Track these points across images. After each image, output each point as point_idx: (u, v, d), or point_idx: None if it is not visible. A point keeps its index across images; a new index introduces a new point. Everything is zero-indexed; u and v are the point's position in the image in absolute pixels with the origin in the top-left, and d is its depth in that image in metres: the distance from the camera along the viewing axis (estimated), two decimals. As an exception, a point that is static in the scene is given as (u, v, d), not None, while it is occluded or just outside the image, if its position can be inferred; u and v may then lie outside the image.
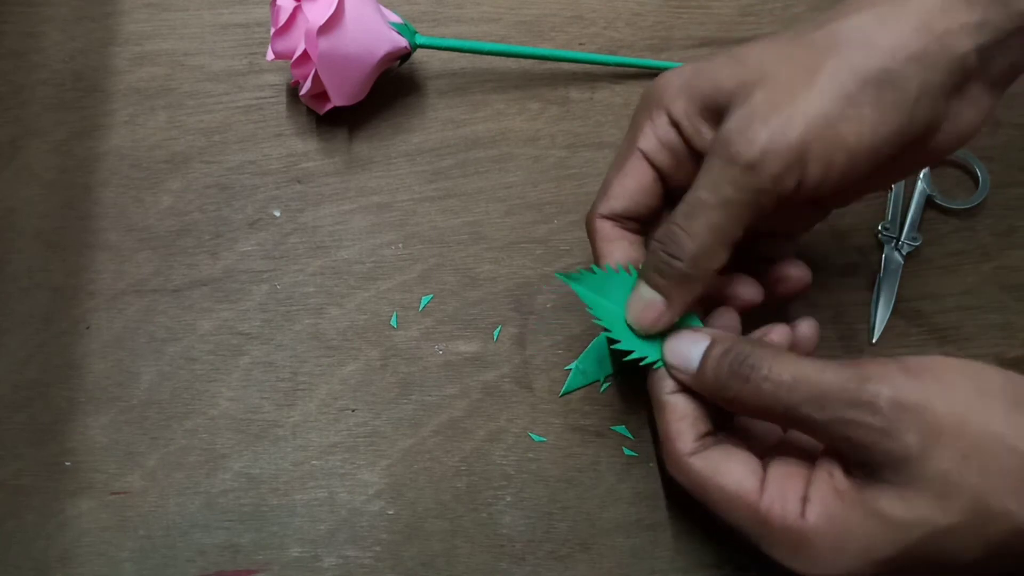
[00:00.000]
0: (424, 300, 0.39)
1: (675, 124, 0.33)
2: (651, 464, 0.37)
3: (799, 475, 0.30)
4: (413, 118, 0.44)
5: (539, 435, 0.37)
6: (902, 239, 0.41)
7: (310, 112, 0.43)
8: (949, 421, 0.27)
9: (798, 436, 0.33)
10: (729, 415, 0.34)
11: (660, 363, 0.33)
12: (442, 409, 0.38)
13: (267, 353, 0.38)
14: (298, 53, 0.39)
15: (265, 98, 0.44)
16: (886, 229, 0.42)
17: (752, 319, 0.34)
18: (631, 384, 0.38)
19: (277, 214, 0.41)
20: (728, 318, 0.34)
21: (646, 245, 0.35)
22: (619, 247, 0.34)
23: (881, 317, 0.40)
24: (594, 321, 0.34)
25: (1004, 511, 0.27)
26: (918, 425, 0.27)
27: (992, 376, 0.28)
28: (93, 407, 0.37)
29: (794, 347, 0.33)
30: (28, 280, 0.39)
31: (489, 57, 0.45)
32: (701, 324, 0.34)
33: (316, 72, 0.39)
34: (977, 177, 0.43)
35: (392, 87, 0.44)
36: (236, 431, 0.37)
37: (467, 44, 0.43)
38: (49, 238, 0.40)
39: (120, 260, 0.40)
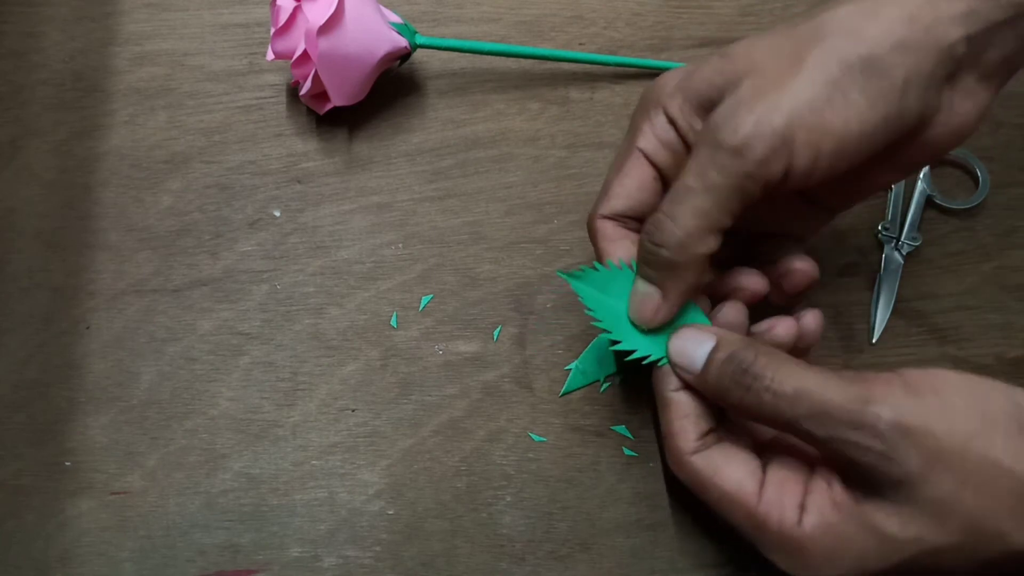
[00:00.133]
0: (424, 300, 0.40)
1: (672, 122, 0.33)
2: (651, 464, 0.37)
3: (798, 480, 0.30)
4: (413, 118, 0.44)
5: (539, 435, 0.37)
6: (902, 239, 0.41)
7: (310, 112, 0.43)
8: (949, 446, 0.27)
9: None
10: None
11: (664, 360, 0.33)
12: (442, 409, 0.38)
13: (267, 353, 0.38)
14: (298, 53, 0.39)
15: (265, 98, 0.44)
16: (886, 229, 0.42)
17: (759, 317, 0.34)
18: (631, 384, 0.38)
19: (277, 214, 0.41)
20: (735, 312, 0.34)
21: None
22: (622, 247, 0.34)
23: (881, 317, 0.40)
24: (593, 323, 0.34)
25: (998, 532, 0.27)
26: (919, 449, 0.27)
27: (996, 397, 0.28)
28: (93, 407, 0.37)
29: (798, 339, 0.33)
30: (28, 280, 0.39)
31: (489, 57, 0.45)
32: (707, 320, 0.34)
33: (316, 72, 0.39)
34: (977, 177, 0.43)
35: (392, 87, 0.44)
36: (236, 431, 0.37)
37: (467, 44, 0.43)
38: (49, 238, 0.40)
39: (120, 260, 0.40)
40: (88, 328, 0.38)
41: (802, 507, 0.29)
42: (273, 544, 0.35)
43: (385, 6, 0.42)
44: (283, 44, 0.40)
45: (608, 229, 0.34)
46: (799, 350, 0.33)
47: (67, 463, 0.36)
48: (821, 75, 0.29)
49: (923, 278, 0.41)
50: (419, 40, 0.42)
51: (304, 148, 0.43)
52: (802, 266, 0.34)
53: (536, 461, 0.37)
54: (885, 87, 0.29)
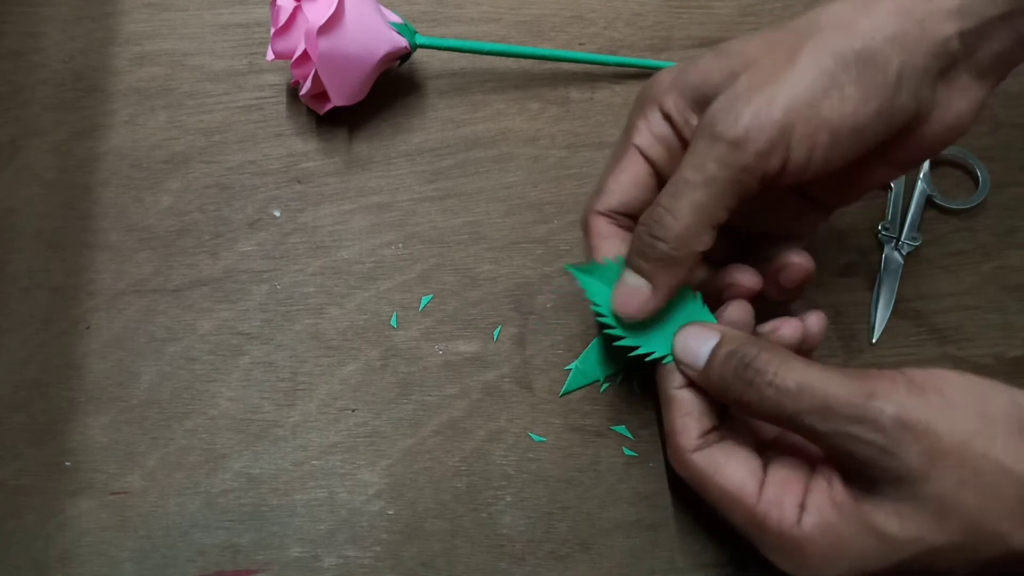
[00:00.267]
0: (424, 300, 0.40)
1: (668, 118, 0.33)
2: (651, 464, 0.37)
3: (798, 480, 0.30)
4: (413, 118, 0.44)
5: (539, 435, 0.37)
6: (902, 239, 0.41)
7: (310, 112, 0.43)
8: (951, 444, 0.27)
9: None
10: None
11: (669, 358, 0.33)
12: (442, 409, 0.38)
13: (267, 353, 0.38)
14: (298, 53, 0.39)
15: (265, 98, 0.44)
16: (886, 229, 0.42)
17: (764, 318, 0.34)
18: (631, 384, 0.38)
19: (277, 214, 0.41)
20: (741, 311, 0.34)
21: None
22: (613, 244, 0.34)
23: (881, 317, 0.40)
24: (598, 319, 0.34)
25: (998, 533, 0.27)
26: (919, 446, 0.27)
27: (997, 397, 0.28)
28: (93, 407, 0.37)
29: (802, 340, 0.33)
30: (28, 280, 0.39)
31: (489, 57, 0.45)
32: (714, 319, 0.34)
33: (316, 72, 0.39)
34: (977, 177, 0.43)
35: (392, 87, 0.44)
36: (236, 431, 0.37)
37: (467, 44, 0.43)
38: (49, 238, 0.40)
39: (120, 260, 0.40)
40: (88, 328, 0.38)
41: (802, 507, 0.29)
42: (273, 544, 0.35)
43: (385, 6, 0.42)
44: (283, 44, 0.40)
45: (601, 226, 0.34)
46: (802, 351, 0.33)
47: (67, 463, 0.36)
48: (816, 68, 0.29)
49: (923, 278, 0.41)
50: (419, 40, 0.42)
51: (304, 148, 0.43)
52: (798, 260, 0.34)
53: (536, 461, 0.37)
54: (879, 80, 0.29)
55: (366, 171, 0.42)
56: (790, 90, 0.29)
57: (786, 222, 0.35)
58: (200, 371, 0.38)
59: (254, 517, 0.35)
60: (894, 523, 0.28)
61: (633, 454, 0.37)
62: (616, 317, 0.33)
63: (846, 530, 0.28)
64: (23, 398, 0.37)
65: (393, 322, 0.39)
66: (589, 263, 0.34)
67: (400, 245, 0.41)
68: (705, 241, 0.31)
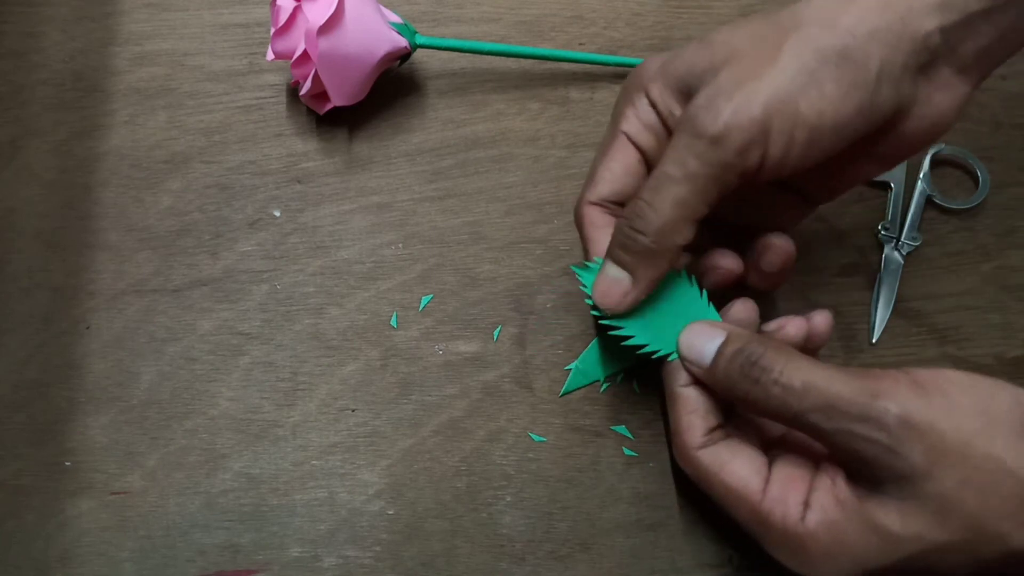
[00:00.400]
0: (424, 300, 0.39)
1: (653, 105, 0.33)
2: (651, 464, 0.37)
3: (802, 478, 0.30)
4: (413, 118, 0.44)
5: (539, 435, 0.37)
6: (902, 239, 0.41)
7: (310, 112, 0.43)
8: (954, 443, 0.27)
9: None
10: None
11: (674, 355, 0.33)
12: (442, 409, 0.38)
13: (267, 353, 0.38)
14: (298, 53, 0.39)
15: (265, 98, 0.44)
16: (886, 229, 0.42)
17: (768, 317, 0.34)
18: (631, 384, 0.38)
19: (277, 214, 0.41)
20: (746, 310, 0.34)
21: None
22: (607, 234, 0.34)
23: (881, 317, 0.40)
24: (601, 321, 0.34)
25: (999, 533, 0.27)
26: (923, 445, 0.27)
27: (1001, 397, 0.28)
28: (93, 407, 0.37)
29: (807, 339, 0.33)
30: (28, 280, 0.39)
31: (489, 57, 0.45)
32: (719, 317, 0.34)
33: (316, 72, 0.39)
34: (977, 177, 0.43)
35: (392, 87, 0.44)
36: (236, 431, 0.37)
37: (467, 44, 0.43)
38: (49, 238, 0.40)
39: (120, 260, 0.40)
40: (88, 328, 0.38)
41: (806, 504, 0.29)
42: (273, 544, 0.35)
43: (385, 6, 0.42)
44: (283, 44, 0.40)
45: (595, 216, 0.34)
46: (808, 350, 0.33)
47: (67, 463, 0.36)
48: (796, 65, 0.29)
49: (923, 278, 0.41)
50: (419, 40, 0.42)
51: (304, 148, 0.43)
52: (779, 241, 0.34)
53: (536, 461, 0.37)
54: (859, 78, 0.29)
55: (366, 171, 0.42)
56: (770, 87, 0.29)
57: (770, 215, 0.35)
58: (200, 371, 0.38)
59: (254, 517, 0.35)
60: (896, 521, 0.28)
61: (633, 454, 0.37)
62: (624, 316, 0.33)
63: (849, 528, 0.29)
64: (23, 398, 0.37)
65: (393, 322, 0.39)
66: (595, 260, 0.34)
67: (400, 245, 0.41)
68: (685, 235, 0.31)
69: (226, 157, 0.42)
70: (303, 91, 0.40)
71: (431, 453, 0.37)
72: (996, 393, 0.28)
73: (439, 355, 0.39)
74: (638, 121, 0.34)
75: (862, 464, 0.28)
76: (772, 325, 0.33)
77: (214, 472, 0.36)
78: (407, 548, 0.35)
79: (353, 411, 0.37)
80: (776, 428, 0.34)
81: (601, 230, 0.34)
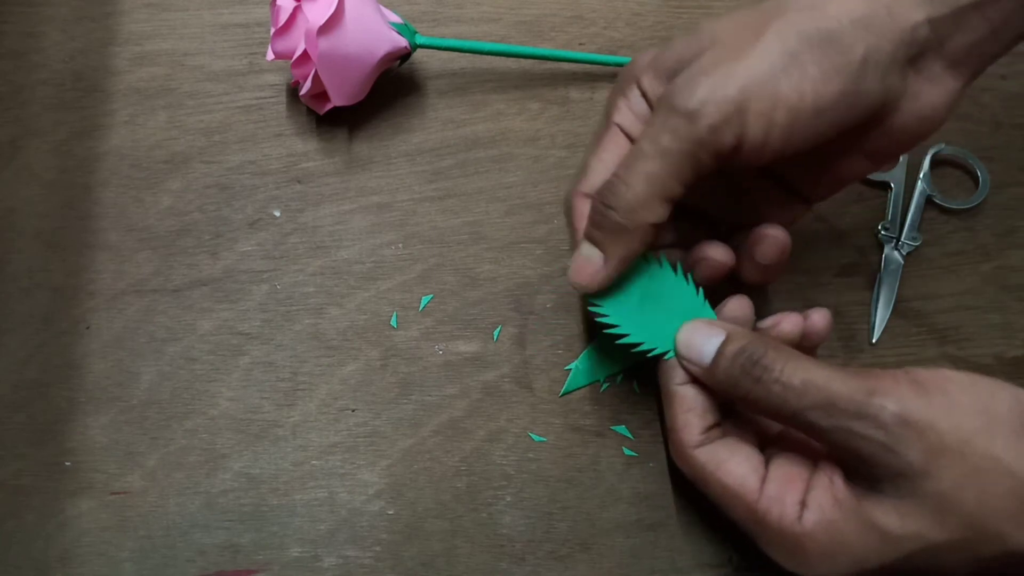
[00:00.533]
0: (424, 300, 0.39)
1: (645, 96, 0.33)
2: (651, 464, 0.37)
3: (799, 477, 0.30)
4: (413, 118, 0.44)
5: (539, 435, 0.37)
6: (902, 239, 0.41)
7: (310, 112, 0.43)
8: (952, 441, 0.27)
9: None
10: None
11: (671, 353, 0.33)
12: (442, 409, 0.38)
13: (267, 353, 0.38)
14: (298, 53, 0.39)
15: (265, 98, 0.44)
16: (886, 229, 0.42)
17: (765, 314, 0.34)
18: (631, 384, 0.38)
19: (277, 214, 0.41)
20: (741, 307, 0.34)
21: None
22: None
23: (881, 317, 0.40)
24: (597, 319, 0.34)
25: (997, 533, 0.27)
26: (921, 443, 0.27)
27: (1001, 397, 0.28)
28: (93, 407, 0.37)
29: (805, 337, 0.33)
30: (28, 280, 0.39)
31: (489, 57, 0.45)
32: (714, 315, 0.34)
33: (316, 72, 0.39)
34: (977, 177, 0.43)
35: (392, 87, 0.44)
36: (236, 431, 0.37)
37: (467, 44, 0.43)
38: (49, 238, 0.40)
39: (120, 260, 0.40)
40: (88, 328, 0.38)
41: (803, 503, 0.29)
42: (273, 544, 0.35)
43: (385, 6, 0.42)
44: (283, 44, 0.40)
45: (584, 207, 0.34)
46: (807, 348, 0.33)
47: (67, 463, 0.36)
48: (778, 47, 0.29)
49: (923, 278, 0.41)
50: (419, 40, 0.42)
51: (304, 148, 0.43)
52: (773, 232, 0.34)
53: (536, 461, 0.37)
54: (842, 63, 0.29)
55: (366, 171, 0.42)
56: (749, 67, 0.29)
57: (765, 212, 0.35)
58: (200, 371, 0.38)
59: (254, 517, 0.35)
60: (894, 520, 0.28)
61: (633, 454, 0.37)
62: (620, 315, 0.33)
63: (847, 527, 0.28)
64: (23, 398, 0.37)
65: (393, 322, 0.39)
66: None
67: (400, 245, 0.41)
68: (657, 212, 0.31)
69: (226, 157, 0.42)
70: (303, 91, 0.40)
71: (431, 453, 0.37)
72: (996, 393, 0.28)
73: (439, 355, 0.39)
74: (630, 112, 0.34)
75: (860, 462, 0.28)
76: (767, 322, 0.33)
77: (214, 472, 0.36)
78: (407, 548, 0.35)
79: (353, 411, 0.37)
80: (773, 427, 0.34)
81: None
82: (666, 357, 0.33)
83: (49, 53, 0.44)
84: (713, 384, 0.32)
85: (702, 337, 0.32)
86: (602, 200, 0.31)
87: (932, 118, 0.32)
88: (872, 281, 0.41)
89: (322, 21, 0.38)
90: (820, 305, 0.35)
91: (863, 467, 0.28)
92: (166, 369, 0.38)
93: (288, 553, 0.35)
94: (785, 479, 0.30)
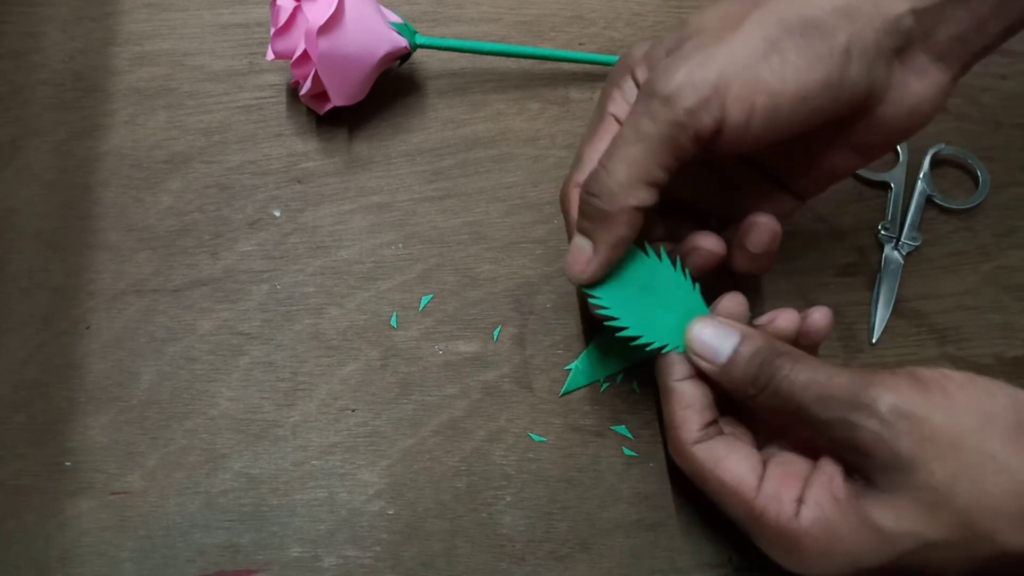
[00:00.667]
0: (424, 300, 0.39)
1: (638, 86, 0.34)
2: (651, 464, 0.37)
3: (797, 476, 0.30)
4: (413, 118, 0.44)
5: (539, 435, 0.37)
6: (902, 239, 0.41)
7: (310, 112, 0.43)
8: (946, 436, 0.27)
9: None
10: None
11: (668, 348, 0.33)
12: (442, 409, 0.38)
13: (267, 353, 0.38)
14: (298, 53, 0.39)
15: (265, 98, 0.44)
16: (886, 229, 0.42)
17: (766, 308, 0.34)
18: (631, 384, 0.38)
19: (277, 214, 0.41)
20: (736, 303, 0.34)
21: None
22: None
23: (881, 317, 0.40)
24: (597, 311, 0.33)
25: (990, 532, 0.27)
26: (913, 434, 0.27)
27: (998, 396, 0.29)
28: (93, 407, 0.37)
29: (803, 335, 0.33)
30: (28, 280, 0.39)
31: (489, 57, 0.45)
32: (707, 310, 0.34)
33: (316, 72, 0.39)
34: (977, 177, 0.43)
35: (392, 87, 0.44)
36: (236, 431, 0.37)
37: (467, 44, 0.43)
38: (49, 238, 0.40)
39: (120, 260, 0.40)
40: (88, 328, 0.38)
41: (800, 501, 0.30)
42: (273, 544, 0.35)
43: (385, 6, 0.42)
44: (283, 44, 0.40)
45: (577, 198, 0.34)
46: (809, 347, 0.34)
47: (67, 463, 0.36)
48: (759, 33, 0.30)
49: (923, 278, 0.41)
50: (419, 40, 0.42)
51: (304, 148, 0.43)
52: (764, 219, 0.34)
53: (536, 461, 0.37)
54: (824, 50, 0.29)
55: (366, 171, 0.42)
56: (729, 53, 0.29)
57: (755, 205, 0.35)
58: (200, 371, 0.38)
59: (254, 517, 0.35)
60: (890, 516, 0.28)
61: (633, 454, 0.37)
62: (620, 308, 0.33)
63: (843, 524, 0.29)
64: (23, 398, 0.37)
65: (393, 322, 0.39)
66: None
67: (400, 245, 0.41)
68: (640, 196, 0.31)
69: (226, 157, 0.42)
70: (303, 91, 0.40)
71: (431, 453, 0.37)
72: (993, 392, 0.29)
73: (439, 355, 0.39)
74: (624, 103, 0.34)
75: (857, 455, 0.29)
76: (764, 318, 0.34)
77: (214, 472, 0.36)
78: (407, 548, 0.35)
79: (353, 411, 0.37)
80: (772, 423, 0.34)
81: None
82: (664, 351, 0.33)
83: (49, 53, 0.44)
84: (727, 382, 0.32)
85: (718, 336, 0.32)
86: (586, 188, 0.32)
87: (920, 111, 0.31)
88: (872, 281, 0.41)
89: (322, 21, 0.38)
90: (820, 305, 0.35)
91: (860, 460, 0.29)
92: (166, 369, 0.38)
93: (288, 553, 0.35)
94: (783, 477, 0.30)
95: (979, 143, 0.44)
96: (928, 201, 0.42)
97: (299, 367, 0.38)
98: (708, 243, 0.34)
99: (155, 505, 0.35)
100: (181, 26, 0.45)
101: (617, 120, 0.34)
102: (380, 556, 0.35)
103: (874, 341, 0.40)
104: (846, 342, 0.40)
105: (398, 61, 0.43)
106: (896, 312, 0.40)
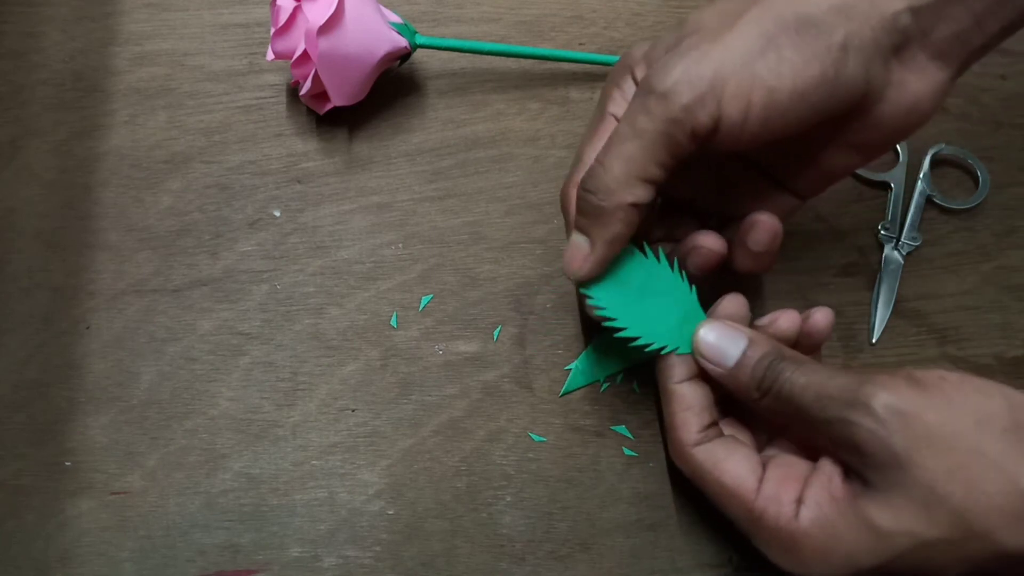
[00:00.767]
0: (424, 300, 0.39)
1: (638, 85, 0.33)
2: (651, 464, 0.37)
3: (797, 477, 0.31)
4: (413, 118, 0.44)
5: (539, 435, 0.37)
6: (902, 239, 0.41)
7: (310, 112, 0.43)
8: (941, 434, 0.28)
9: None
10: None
11: (667, 349, 0.33)
12: (442, 409, 0.38)
13: (267, 353, 0.38)
14: (298, 53, 0.39)
15: (265, 98, 0.44)
16: (886, 229, 0.42)
17: (765, 311, 0.34)
18: (631, 384, 0.38)
19: (277, 214, 0.41)
20: (736, 305, 0.34)
21: None
22: None
23: (881, 317, 0.40)
24: (596, 312, 0.33)
25: (986, 531, 0.27)
26: (908, 431, 0.28)
27: (994, 397, 0.29)
28: (93, 407, 0.37)
29: (804, 335, 0.34)
30: (28, 280, 0.39)
31: (489, 57, 0.45)
32: (704, 315, 0.34)
33: (316, 72, 0.39)
34: (977, 177, 0.43)
35: (392, 87, 0.44)
36: (236, 431, 0.37)
37: (467, 44, 0.43)
38: (49, 238, 0.40)
39: (120, 260, 0.40)
40: (88, 328, 0.38)
41: (799, 502, 0.30)
42: (273, 544, 0.35)
43: (385, 6, 0.42)
44: (283, 44, 0.40)
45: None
46: (810, 347, 0.34)
47: (67, 463, 0.36)
48: (755, 30, 0.30)
49: (923, 278, 0.41)
50: (419, 40, 0.42)
51: (304, 148, 0.43)
52: (765, 218, 0.34)
53: (536, 461, 0.37)
54: (821, 47, 0.29)
55: (366, 171, 0.42)
56: (726, 50, 0.29)
57: (755, 205, 0.35)
58: (200, 371, 0.38)
59: (254, 517, 0.35)
60: (887, 516, 0.28)
61: (633, 454, 0.37)
62: (618, 309, 0.33)
63: (842, 525, 0.29)
64: (23, 398, 0.37)
65: (393, 322, 0.39)
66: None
67: (400, 245, 0.41)
68: (636, 193, 0.31)
69: (226, 157, 0.42)
70: (303, 91, 0.40)
71: (431, 453, 0.37)
72: (989, 392, 0.29)
73: (439, 355, 0.39)
74: (624, 102, 0.34)
75: (853, 453, 0.29)
76: (765, 319, 0.34)
77: (214, 472, 0.36)
78: (407, 548, 0.35)
79: (353, 411, 0.37)
80: (772, 424, 0.34)
81: None
82: (662, 352, 0.33)
83: (49, 53, 0.44)
84: (732, 385, 0.32)
85: (727, 340, 0.32)
86: (583, 185, 0.32)
87: (919, 110, 0.31)
88: (872, 281, 0.41)
89: (322, 21, 0.38)
90: (820, 305, 0.35)
91: (857, 459, 0.29)
92: (166, 369, 0.38)
93: (288, 553, 0.35)
94: (782, 478, 0.31)
95: (979, 143, 0.44)
96: (928, 201, 0.42)
97: (299, 367, 0.38)
98: (709, 242, 0.34)
99: (155, 505, 0.35)
100: (181, 26, 0.45)
101: (617, 120, 0.34)
102: (380, 556, 0.35)
103: (874, 341, 0.40)
104: (846, 342, 0.40)
105: (398, 61, 0.43)
106: (896, 312, 0.40)
